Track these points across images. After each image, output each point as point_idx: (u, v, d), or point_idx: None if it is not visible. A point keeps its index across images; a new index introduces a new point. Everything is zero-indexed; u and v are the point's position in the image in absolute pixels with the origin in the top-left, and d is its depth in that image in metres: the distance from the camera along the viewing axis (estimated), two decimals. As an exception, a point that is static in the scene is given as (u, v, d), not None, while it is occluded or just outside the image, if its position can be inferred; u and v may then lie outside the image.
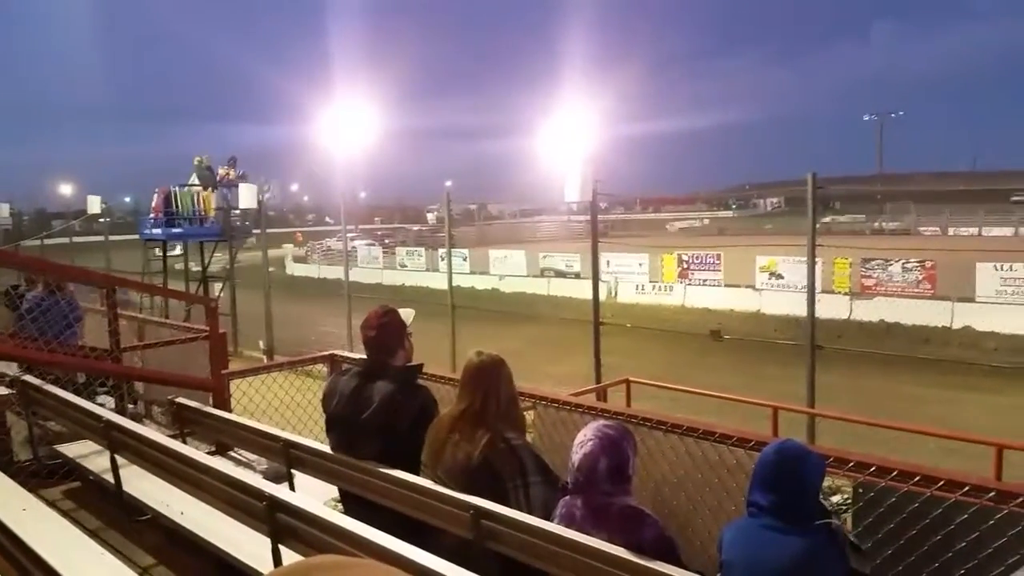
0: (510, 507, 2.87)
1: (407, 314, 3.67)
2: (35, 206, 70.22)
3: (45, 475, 4.77)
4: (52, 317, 5.94)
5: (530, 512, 2.88)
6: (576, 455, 2.80)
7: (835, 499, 4.04)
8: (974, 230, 47.96)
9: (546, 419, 4.33)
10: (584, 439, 2.82)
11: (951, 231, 48.08)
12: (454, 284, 14.25)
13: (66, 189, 61.54)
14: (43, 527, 3.19)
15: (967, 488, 2.86)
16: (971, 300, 19.65)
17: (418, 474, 3.23)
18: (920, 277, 20.78)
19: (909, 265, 21.02)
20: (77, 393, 4.90)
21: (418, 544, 2.52)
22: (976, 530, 2.86)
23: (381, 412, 3.34)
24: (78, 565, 2.81)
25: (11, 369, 5.57)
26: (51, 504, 4.00)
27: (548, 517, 2.85)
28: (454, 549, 2.66)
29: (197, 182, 19.44)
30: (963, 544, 2.89)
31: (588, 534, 2.61)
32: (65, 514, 3.97)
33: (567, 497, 2.86)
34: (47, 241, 30.66)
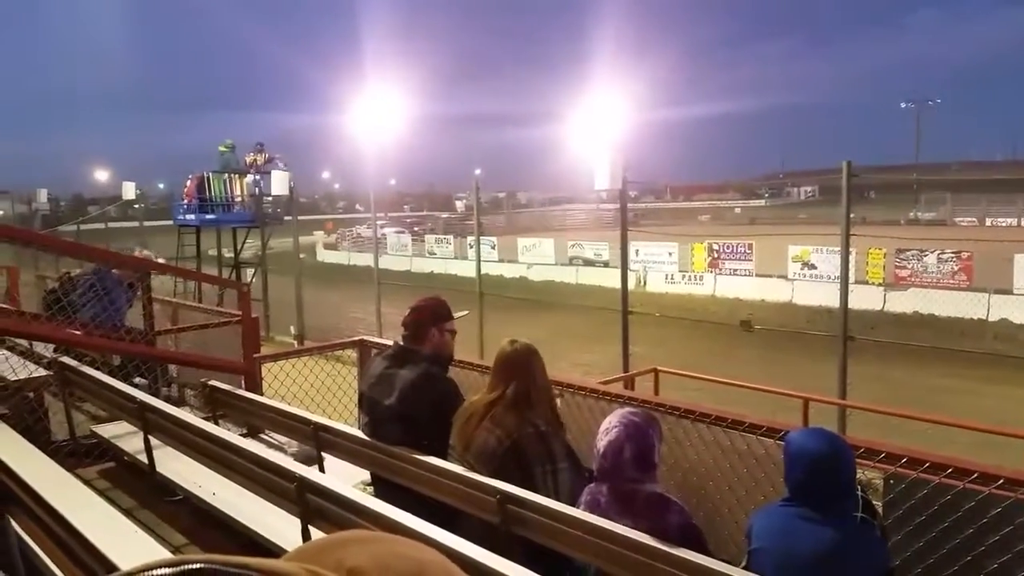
0: (538, 492, 2.88)
1: (460, 315, 3.74)
2: (72, 192, 71.61)
3: (82, 455, 4.87)
4: (86, 300, 6.04)
5: (557, 498, 2.89)
6: (601, 442, 2.80)
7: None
8: (1013, 220, 46.88)
9: (573, 407, 4.33)
10: (609, 426, 2.81)
11: (989, 221, 47.07)
12: (482, 272, 14.27)
13: (102, 175, 62.65)
14: (80, 505, 3.26)
15: (1001, 481, 2.81)
16: (1008, 292, 19.26)
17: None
18: (956, 268, 20.38)
19: (945, 256, 20.62)
20: (112, 375, 5.00)
21: (447, 528, 2.55)
22: (1010, 524, 2.82)
23: (402, 399, 3.38)
24: (113, 543, 2.87)
25: (49, 350, 5.70)
26: (87, 483, 4.08)
27: (574, 503, 2.85)
28: (482, 534, 2.68)
29: (223, 168, 19.67)
30: (996, 538, 2.85)
31: (613, 521, 2.61)
32: (101, 493, 4.05)
33: (592, 484, 2.86)
34: (83, 227, 31.16)
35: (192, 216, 19.39)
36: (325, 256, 43.57)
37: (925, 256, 20.89)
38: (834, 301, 9.27)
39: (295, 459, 3.86)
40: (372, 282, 16.44)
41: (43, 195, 32.19)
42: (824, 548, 2.33)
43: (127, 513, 3.70)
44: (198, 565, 0.52)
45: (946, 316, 18.99)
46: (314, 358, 6.17)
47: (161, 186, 66.59)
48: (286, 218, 20.26)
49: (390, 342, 3.98)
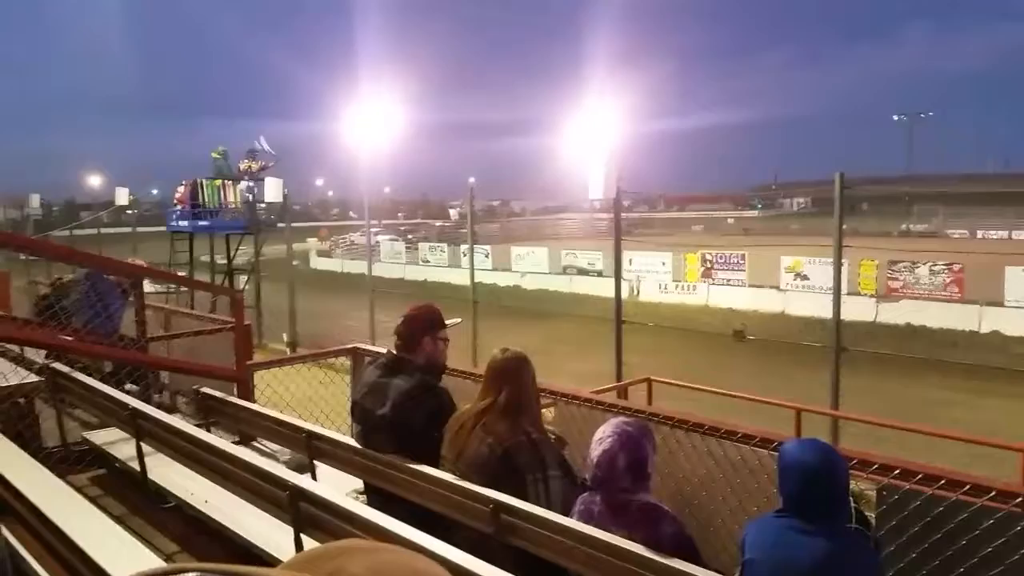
0: (529, 500, 2.88)
1: (452, 323, 3.73)
2: (65, 197, 71.44)
3: (73, 461, 4.83)
4: (81, 305, 6.02)
5: (549, 506, 2.89)
6: (595, 451, 2.80)
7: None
8: (1004, 233, 47.10)
9: (567, 415, 4.33)
10: (603, 435, 2.81)
11: (980, 234, 47.32)
12: (476, 280, 14.27)
13: (95, 181, 62.64)
14: (71, 512, 3.24)
15: (993, 493, 2.82)
16: (1000, 304, 19.36)
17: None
18: (948, 280, 20.50)
19: (936, 268, 20.73)
20: (104, 382, 4.97)
21: (439, 537, 2.54)
22: (1002, 536, 2.82)
23: (395, 410, 3.37)
24: (105, 550, 2.85)
25: (40, 356, 5.67)
26: (79, 490, 4.05)
27: (567, 512, 2.85)
28: (475, 543, 2.68)
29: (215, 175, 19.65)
30: (988, 549, 2.86)
31: (606, 530, 2.61)
32: (92, 500, 4.02)
33: (585, 494, 2.86)
34: (75, 232, 31.05)
35: (185, 222, 19.35)
36: (319, 263, 43.55)
37: (917, 268, 21.01)
38: (827, 312, 9.32)
39: (287, 467, 3.85)
40: (365, 290, 16.42)
41: (35, 200, 32.12)
42: (817, 559, 2.33)
43: (119, 520, 3.68)
44: (192, 574, 0.53)
45: (938, 328, 19.09)
46: (307, 366, 6.16)
47: (155, 192, 66.57)
48: (279, 225, 20.24)
49: (383, 350, 3.97)
